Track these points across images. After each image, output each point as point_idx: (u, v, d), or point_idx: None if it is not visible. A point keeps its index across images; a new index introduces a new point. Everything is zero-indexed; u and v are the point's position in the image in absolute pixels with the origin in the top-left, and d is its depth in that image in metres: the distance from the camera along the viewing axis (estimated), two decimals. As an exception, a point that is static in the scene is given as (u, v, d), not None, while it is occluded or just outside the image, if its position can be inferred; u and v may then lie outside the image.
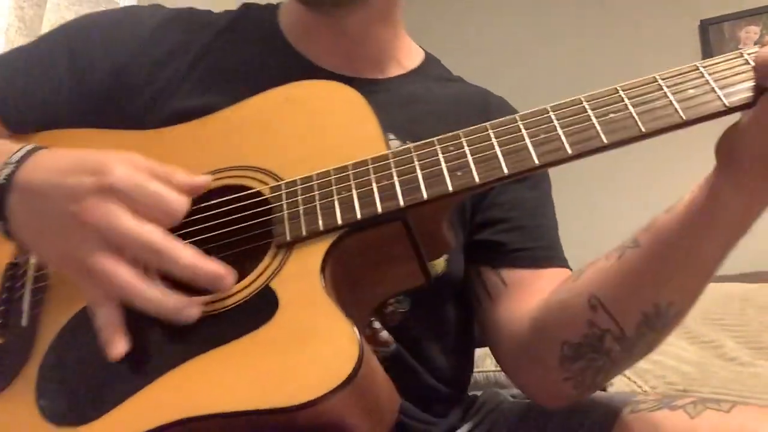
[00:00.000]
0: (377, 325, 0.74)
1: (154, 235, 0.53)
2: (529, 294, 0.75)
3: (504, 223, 0.79)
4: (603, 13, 2.92)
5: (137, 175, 0.54)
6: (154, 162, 0.57)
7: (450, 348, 0.81)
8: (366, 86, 0.75)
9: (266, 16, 0.83)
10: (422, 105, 0.81)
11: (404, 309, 0.75)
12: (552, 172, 0.71)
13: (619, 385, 1.67)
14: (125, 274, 0.53)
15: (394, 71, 0.83)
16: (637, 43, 2.80)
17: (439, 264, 0.76)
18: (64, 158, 0.57)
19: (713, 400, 0.66)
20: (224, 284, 0.55)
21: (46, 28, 1.42)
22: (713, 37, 2.70)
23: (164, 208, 0.54)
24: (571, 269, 0.80)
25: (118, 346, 0.54)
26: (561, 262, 0.81)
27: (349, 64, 0.80)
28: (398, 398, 0.58)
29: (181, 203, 0.55)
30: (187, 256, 0.53)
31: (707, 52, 2.70)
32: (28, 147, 0.60)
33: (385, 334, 0.74)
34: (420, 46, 0.90)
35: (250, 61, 0.78)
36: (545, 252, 0.80)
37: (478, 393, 0.89)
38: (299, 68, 0.78)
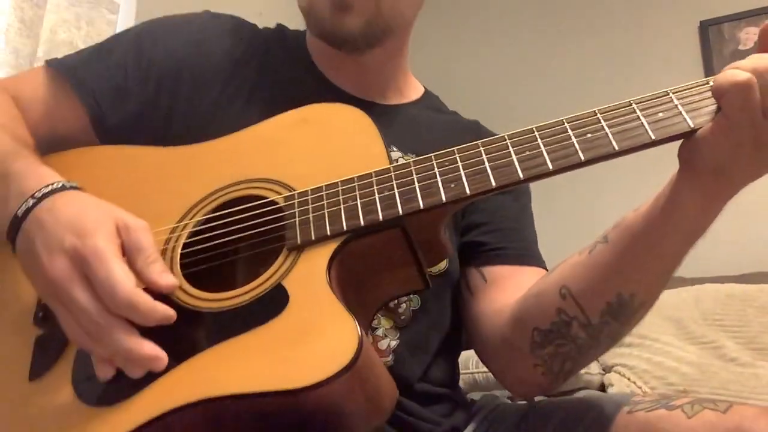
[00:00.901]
0: (381, 332, 0.77)
1: (98, 315, 0.56)
2: (507, 289, 0.79)
3: (486, 225, 0.86)
4: (603, 14, 2.92)
5: (107, 253, 0.57)
6: (142, 239, 0.59)
7: (446, 344, 0.84)
8: (376, 108, 0.87)
9: (298, 41, 0.92)
10: (423, 128, 0.90)
11: (416, 307, 0.80)
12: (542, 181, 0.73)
13: (619, 385, 1.67)
14: (78, 335, 0.57)
15: (399, 100, 0.92)
16: (637, 43, 2.79)
17: (441, 262, 0.80)
18: (71, 208, 0.62)
19: (710, 400, 0.66)
20: (158, 366, 0.57)
21: (46, 28, 1.42)
22: (713, 37, 2.70)
23: (110, 294, 0.55)
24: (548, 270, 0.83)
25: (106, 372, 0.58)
26: (540, 263, 0.86)
27: (364, 90, 0.88)
28: (396, 389, 0.61)
29: (126, 298, 0.55)
30: (123, 343, 0.56)
31: (707, 53, 2.69)
32: (54, 185, 0.64)
33: (385, 343, 0.77)
34: (422, 84, 0.99)
35: (283, 81, 0.87)
36: (524, 252, 0.86)
37: (477, 397, 0.90)
38: (325, 90, 0.86)
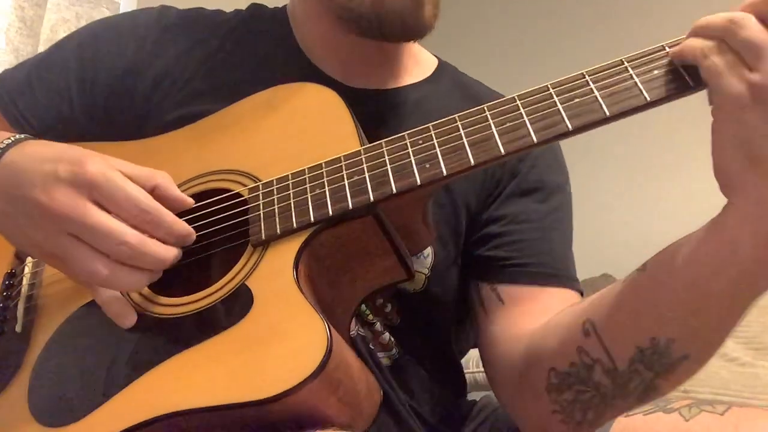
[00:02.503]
0: (379, 327, 0.73)
1: (123, 228, 0.53)
2: (527, 313, 0.70)
3: (502, 237, 0.74)
4: (602, 13, 2.92)
5: (113, 173, 0.54)
6: (139, 167, 0.57)
7: (437, 363, 0.79)
8: (374, 97, 0.76)
9: (277, 21, 0.81)
10: (429, 115, 0.76)
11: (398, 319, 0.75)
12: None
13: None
14: (99, 267, 0.53)
15: (405, 80, 0.80)
16: (637, 43, 2.78)
17: (419, 280, 0.74)
18: (50, 148, 0.58)
19: (708, 402, 0.66)
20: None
21: (46, 28, 1.41)
22: (713, 37, 2.70)
23: (135, 210, 0.53)
24: (582, 291, 0.74)
25: (128, 317, 0.57)
26: (568, 282, 0.74)
27: (363, 76, 0.78)
28: (379, 390, 0.58)
29: (154, 211, 0.54)
30: (163, 251, 0.54)
31: (707, 53, 2.69)
32: (16, 137, 0.61)
33: (386, 337, 0.73)
34: (434, 54, 0.87)
35: (261, 69, 0.77)
36: (548, 269, 0.73)
37: (478, 398, 0.88)
38: (310, 78, 0.74)
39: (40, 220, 0.54)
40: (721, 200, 0.51)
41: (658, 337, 0.55)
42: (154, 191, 0.57)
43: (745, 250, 0.50)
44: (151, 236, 0.54)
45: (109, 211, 0.53)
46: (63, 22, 1.45)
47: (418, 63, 0.83)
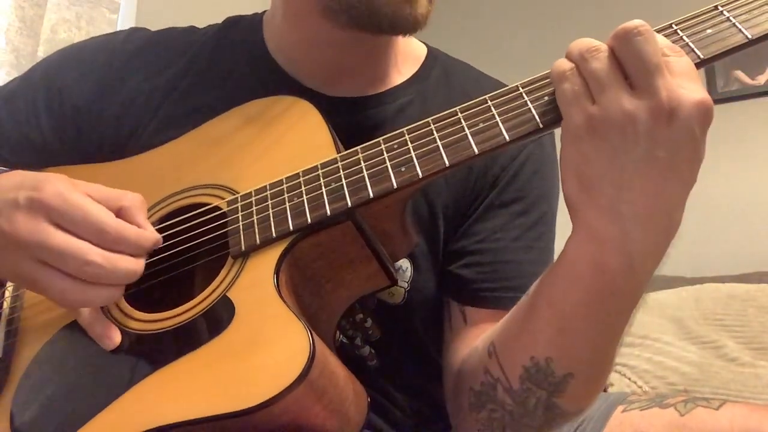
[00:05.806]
0: (359, 341, 0.74)
1: (86, 248, 0.52)
2: (482, 334, 0.69)
3: (473, 255, 0.73)
4: (601, 13, 2.91)
5: (71, 193, 0.53)
6: (107, 189, 0.57)
7: (420, 369, 0.79)
8: (355, 105, 0.74)
9: (250, 34, 0.79)
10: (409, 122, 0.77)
11: (375, 339, 0.75)
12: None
13: (619, 385, 1.67)
14: (68, 288, 0.53)
15: (391, 80, 0.77)
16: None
17: (398, 293, 0.73)
18: (14, 177, 0.58)
19: (704, 398, 0.68)
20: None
21: (46, 28, 1.42)
22: (714, 37, 2.70)
23: (97, 230, 0.53)
24: None
25: (112, 338, 0.56)
26: None
27: (344, 82, 0.75)
28: (366, 397, 0.57)
29: (115, 229, 0.53)
30: (133, 265, 0.54)
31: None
32: None
33: (366, 350, 0.74)
34: (423, 41, 0.83)
35: (234, 88, 0.75)
36: (514, 293, 0.71)
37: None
38: (287, 90, 0.73)
39: (7, 249, 0.54)
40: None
41: (536, 356, 0.57)
42: (119, 212, 0.56)
43: (584, 273, 0.52)
44: (119, 252, 0.54)
45: (71, 233, 0.53)
46: (63, 22, 1.46)
47: (405, 57, 0.79)
